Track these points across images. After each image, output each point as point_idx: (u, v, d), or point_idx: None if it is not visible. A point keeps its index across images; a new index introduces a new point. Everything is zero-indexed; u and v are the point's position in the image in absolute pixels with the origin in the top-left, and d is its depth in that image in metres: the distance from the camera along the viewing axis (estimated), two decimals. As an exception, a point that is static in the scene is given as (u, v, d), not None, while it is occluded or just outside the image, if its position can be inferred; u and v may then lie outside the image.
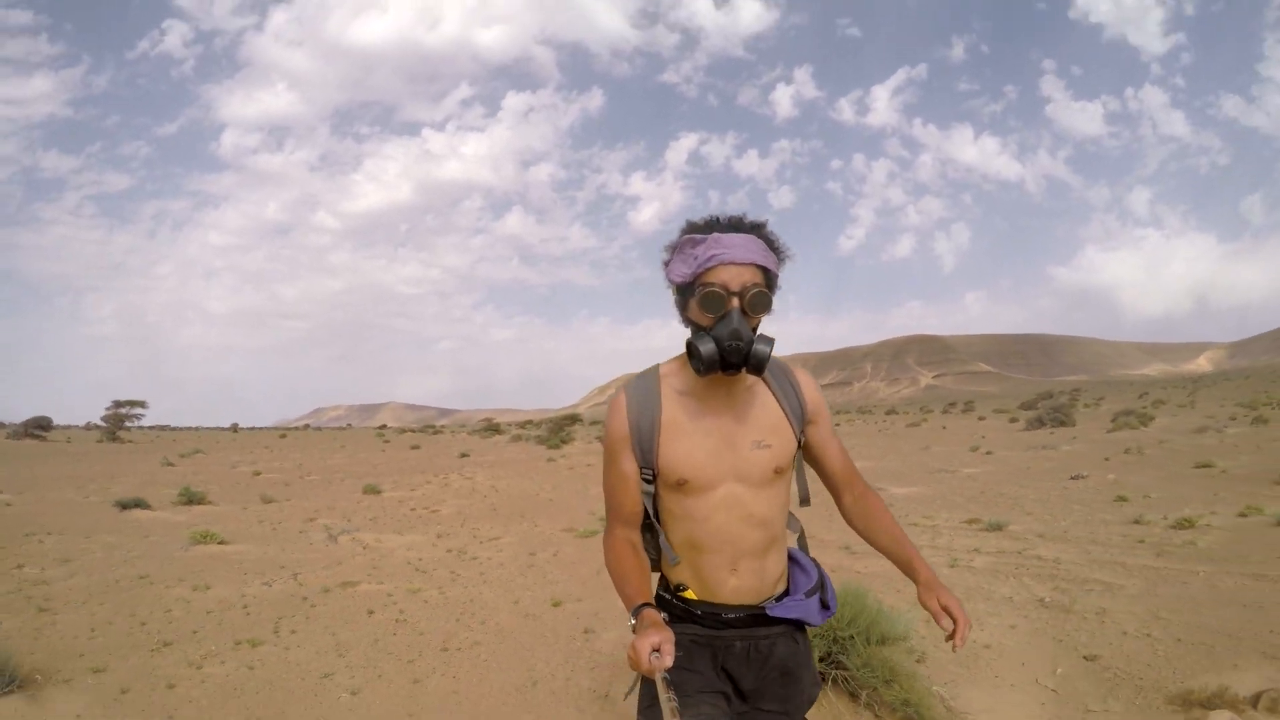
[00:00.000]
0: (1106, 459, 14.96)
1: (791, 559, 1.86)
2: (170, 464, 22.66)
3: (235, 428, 75.43)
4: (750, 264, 1.61)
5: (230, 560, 7.40)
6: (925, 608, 1.68)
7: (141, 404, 46.58)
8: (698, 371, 1.62)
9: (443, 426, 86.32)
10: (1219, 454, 13.73)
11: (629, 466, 1.73)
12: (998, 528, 7.99)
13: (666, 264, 1.69)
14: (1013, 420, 37.47)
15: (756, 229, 1.65)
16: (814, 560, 1.89)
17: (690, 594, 1.74)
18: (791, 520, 1.84)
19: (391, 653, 4.65)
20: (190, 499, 12.21)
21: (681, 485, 1.70)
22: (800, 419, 1.77)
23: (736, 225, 1.64)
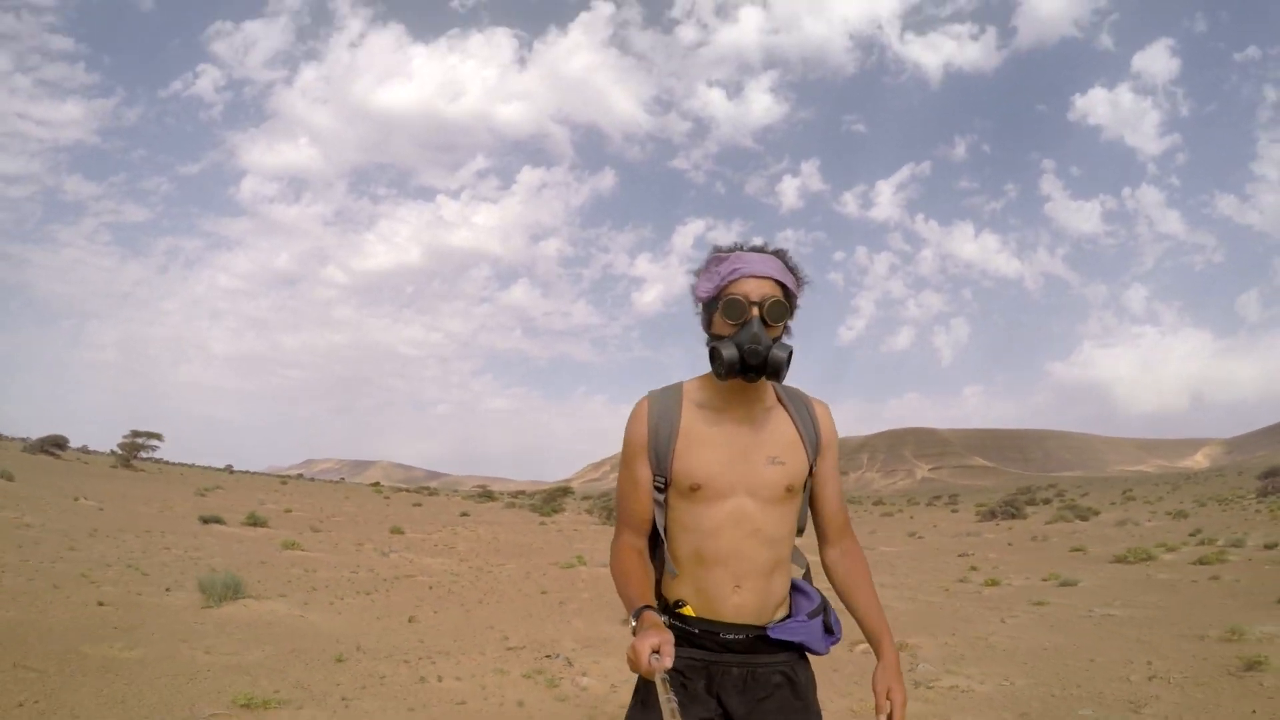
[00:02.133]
0: (1010, 545, 17.90)
1: (794, 587, 1.84)
2: (203, 494, 25.52)
3: (230, 469, 74.94)
4: (770, 278, 1.67)
5: (315, 560, 10.40)
6: (874, 689, 1.69)
7: (158, 436, 48.21)
8: (718, 376, 1.65)
9: (436, 489, 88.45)
10: (1105, 542, 16.63)
11: (643, 473, 1.75)
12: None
13: (694, 286, 1.76)
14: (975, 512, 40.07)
15: (778, 253, 1.74)
16: (818, 590, 1.87)
17: (688, 610, 1.72)
18: (797, 555, 1.83)
19: (449, 603, 7.69)
20: (255, 521, 15.25)
21: (694, 491, 1.70)
22: (815, 446, 1.78)
23: (758, 249, 1.73)
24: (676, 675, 1.63)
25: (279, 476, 73.84)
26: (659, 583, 1.80)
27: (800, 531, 1.82)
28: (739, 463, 1.70)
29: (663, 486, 1.73)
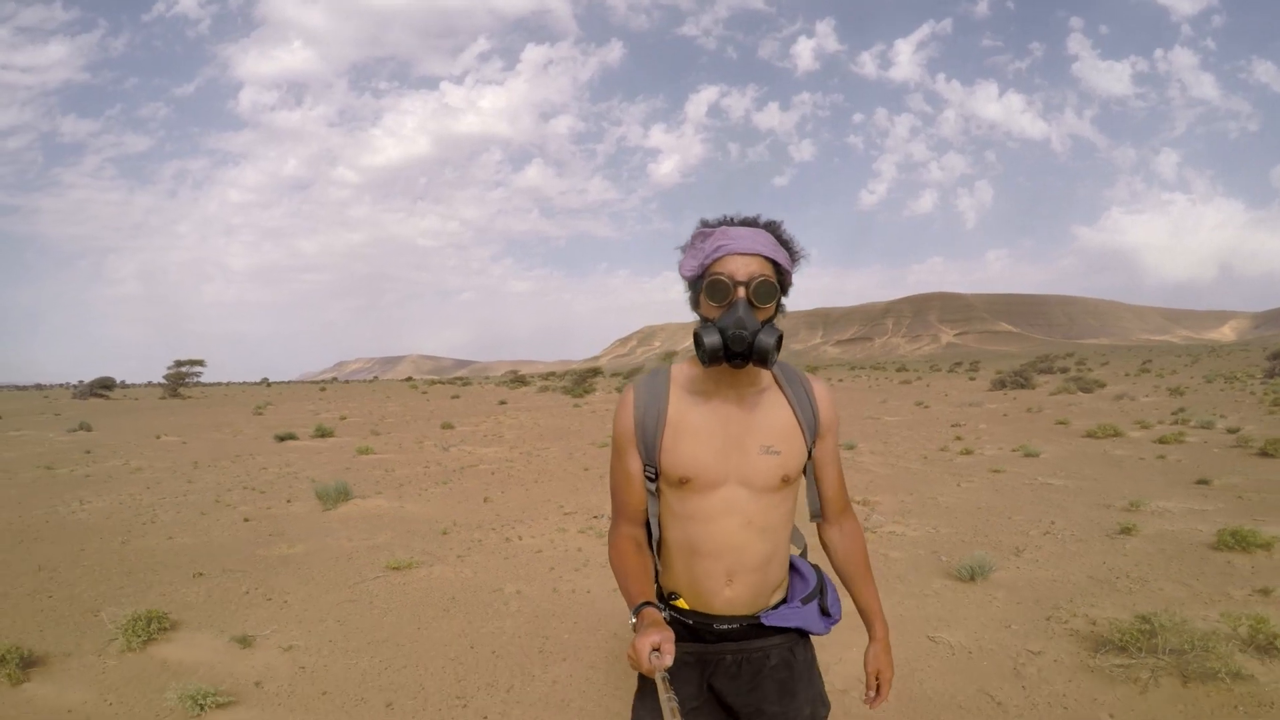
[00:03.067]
0: (1005, 415, 19.50)
1: (790, 566, 1.83)
2: (260, 413, 27.84)
3: (266, 382, 78.32)
4: (757, 255, 1.59)
5: (389, 461, 12.28)
6: (865, 667, 1.79)
7: (200, 363, 49.77)
8: (702, 362, 1.59)
9: (468, 378, 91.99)
10: (1092, 416, 18.12)
11: (634, 464, 1.72)
12: (850, 446, 12.72)
13: (680, 263, 1.67)
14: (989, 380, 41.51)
15: (769, 226, 1.64)
16: (814, 566, 1.85)
17: (682, 603, 1.72)
18: (796, 535, 1.81)
19: (511, 485, 9.50)
20: (322, 433, 17.24)
21: (684, 483, 1.66)
22: (813, 430, 1.73)
23: (748, 223, 1.64)
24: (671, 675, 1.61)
25: (315, 383, 76.62)
26: (656, 572, 1.77)
27: (815, 517, 1.86)
28: (731, 452, 1.66)
29: (654, 477, 1.70)
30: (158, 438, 18.05)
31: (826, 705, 1.81)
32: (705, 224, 1.65)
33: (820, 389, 1.77)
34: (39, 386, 54.53)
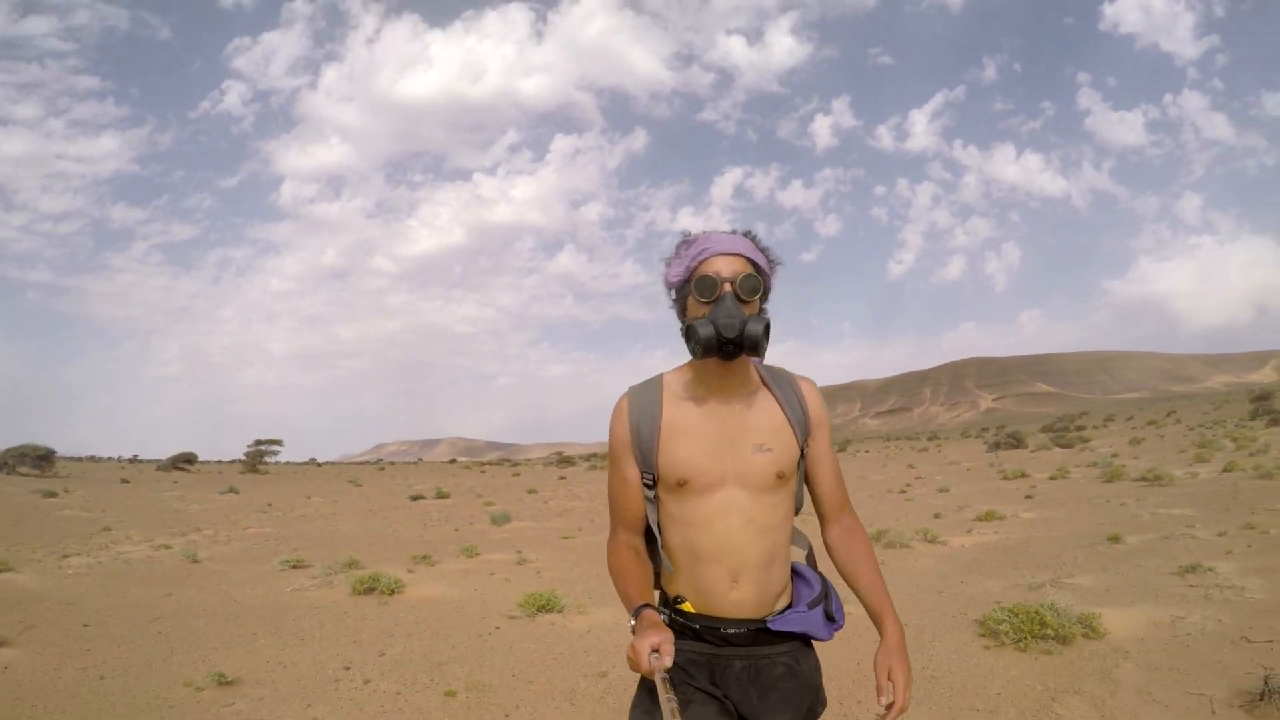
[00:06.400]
0: (969, 469, 24.67)
1: (794, 572, 1.85)
2: (358, 484, 33.74)
3: (315, 462, 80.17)
4: (739, 254, 1.67)
5: (513, 511, 17.92)
6: (875, 669, 1.68)
7: (279, 442, 52.76)
8: (695, 355, 1.66)
9: (516, 460, 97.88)
10: (1039, 467, 23.17)
11: (631, 472, 1.76)
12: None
13: (665, 275, 1.76)
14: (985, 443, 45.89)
15: (747, 234, 1.74)
16: (819, 574, 1.86)
17: (688, 607, 1.75)
18: (798, 536, 1.84)
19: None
20: (440, 495, 23.03)
21: (682, 486, 1.70)
22: (803, 427, 1.77)
23: (727, 233, 1.73)
24: (680, 672, 1.67)
25: (358, 463, 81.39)
26: (658, 578, 1.80)
27: (797, 510, 1.82)
28: (726, 453, 1.70)
29: (651, 483, 1.74)
30: (308, 498, 23.91)
31: (823, 703, 1.81)
32: (687, 234, 1.76)
33: (808, 386, 1.82)
34: (93, 458, 59.33)
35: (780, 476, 1.73)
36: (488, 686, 4.72)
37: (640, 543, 1.81)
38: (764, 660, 1.75)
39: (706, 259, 1.68)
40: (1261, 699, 3.66)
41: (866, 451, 56.08)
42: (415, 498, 22.42)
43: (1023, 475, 18.59)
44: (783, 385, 1.80)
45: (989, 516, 11.16)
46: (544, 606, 6.50)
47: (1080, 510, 11.52)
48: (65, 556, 10.13)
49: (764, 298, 1.71)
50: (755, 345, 1.63)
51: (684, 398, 1.76)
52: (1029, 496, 14.16)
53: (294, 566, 9.26)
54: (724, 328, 1.61)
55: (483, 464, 76.46)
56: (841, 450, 58.50)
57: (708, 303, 1.65)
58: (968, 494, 15.83)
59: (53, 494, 21.02)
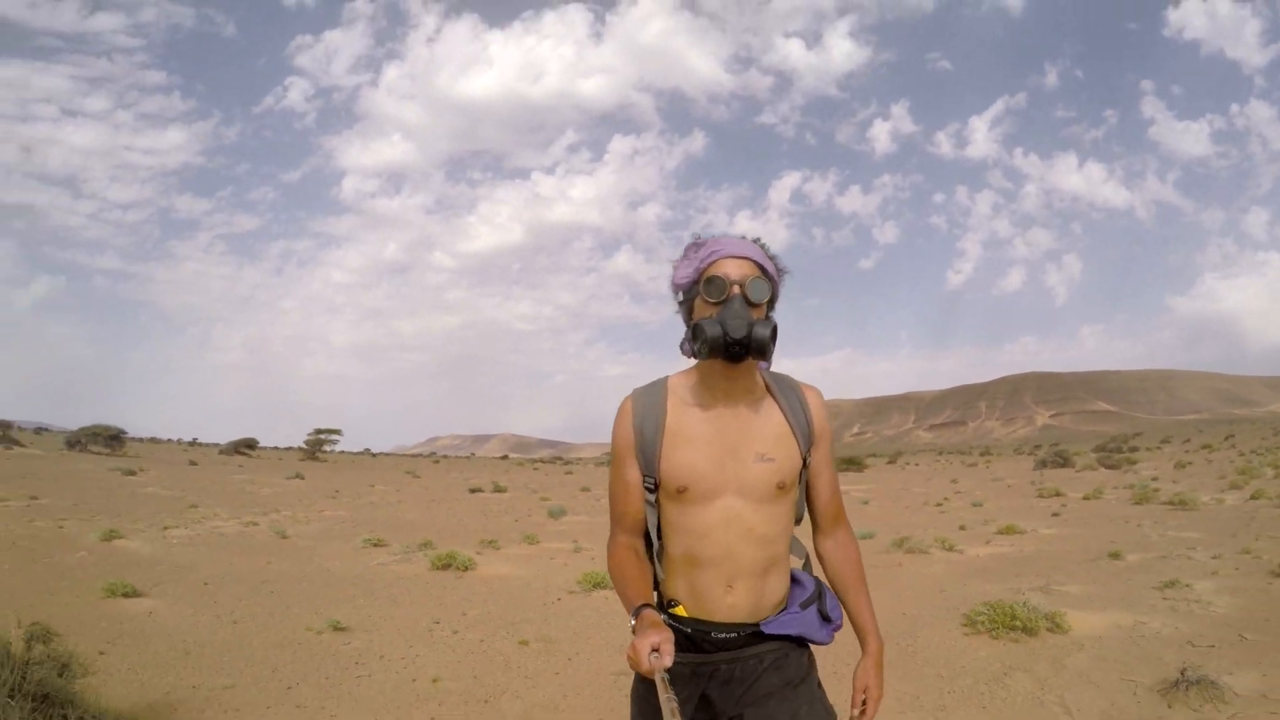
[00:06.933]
0: (1010, 485, 25.05)
1: (790, 577, 1.85)
2: (416, 475, 35.40)
3: (369, 452, 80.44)
4: (748, 258, 1.68)
5: (568, 505, 19.10)
6: (854, 682, 1.76)
7: (338, 432, 53.76)
8: (701, 355, 1.66)
9: (569, 459, 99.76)
10: (1076, 486, 23.50)
11: (633, 475, 1.76)
12: (865, 502, 18.84)
13: (672, 277, 1.77)
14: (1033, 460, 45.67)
15: (755, 240, 1.74)
16: (814, 576, 1.87)
17: (681, 611, 1.75)
18: (796, 545, 1.84)
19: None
20: (498, 489, 24.38)
21: (682, 493, 1.70)
22: (807, 438, 1.77)
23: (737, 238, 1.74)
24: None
25: (411, 456, 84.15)
26: (657, 581, 1.79)
27: (798, 521, 1.84)
28: (727, 461, 1.70)
29: (653, 487, 1.74)
30: (372, 486, 25.49)
31: (833, 716, 1.79)
32: (697, 237, 1.76)
33: (813, 395, 1.81)
34: (154, 440, 61.44)
35: (781, 487, 1.73)
36: (554, 639, 5.88)
37: (640, 544, 1.80)
38: (751, 659, 1.75)
39: (716, 261, 1.69)
40: (1175, 686, 4.53)
41: (916, 464, 56.02)
42: (474, 490, 23.84)
43: (1056, 494, 19.05)
44: (788, 393, 1.80)
45: (1009, 530, 11.90)
46: (599, 584, 7.62)
47: (1098, 529, 12.14)
48: (165, 528, 11.61)
49: (771, 304, 1.73)
50: (762, 348, 1.64)
51: (688, 402, 1.76)
52: (1055, 514, 14.75)
53: (374, 544, 10.54)
54: (732, 328, 1.61)
55: (535, 461, 78.29)
56: (891, 462, 58.58)
57: (716, 304, 1.66)
58: (999, 509, 16.45)
59: (132, 472, 23.00)
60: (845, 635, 1.91)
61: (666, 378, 1.81)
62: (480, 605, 7.05)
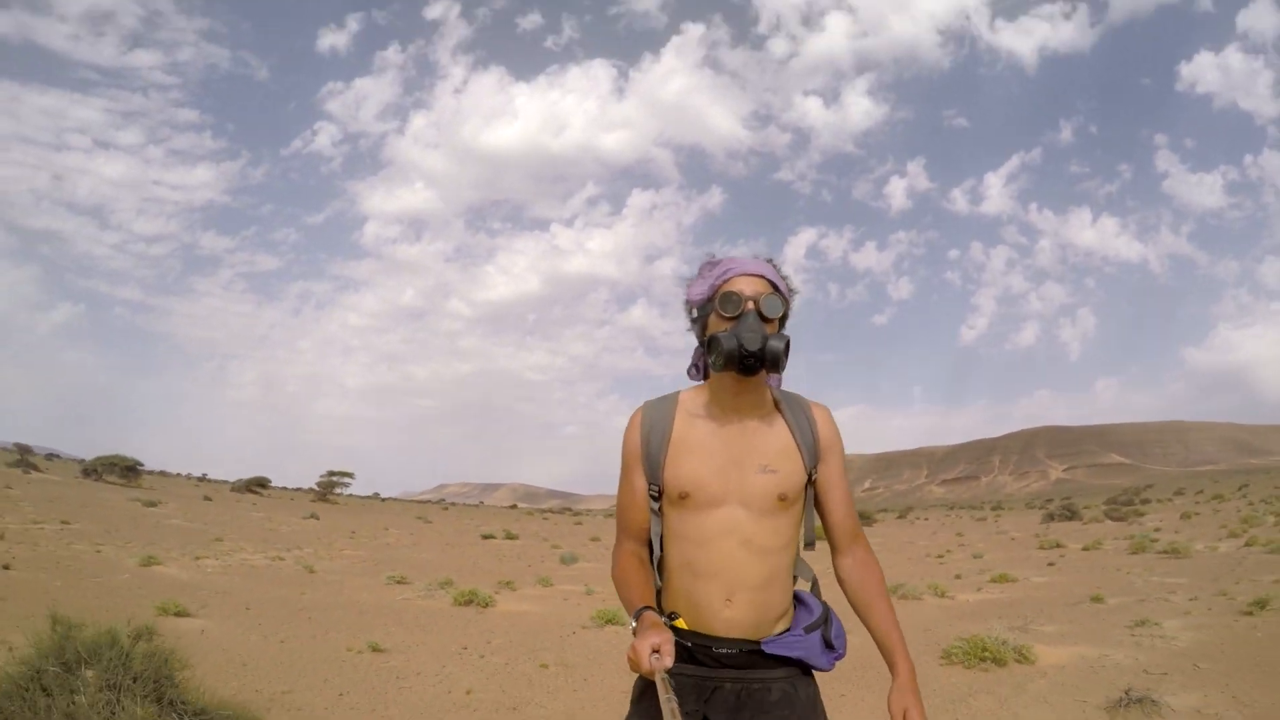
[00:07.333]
0: (1014, 538, 25.39)
1: (796, 598, 1.84)
2: (428, 521, 35.93)
3: (378, 496, 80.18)
4: (761, 276, 1.75)
5: (578, 553, 19.64)
6: (889, 709, 1.69)
7: (350, 475, 54.71)
8: (716, 367, 1.70)
9: (578, 510, 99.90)
10: (1077, 538, 23.79)
11: (639, 482, 1.80)
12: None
13: (686, 293, 1.83)
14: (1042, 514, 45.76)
15: (768, 260, 1.81)
16: (822, 601, 1.86)
17: (681, 623, 1.74)
18: (803, 566, 1.84)
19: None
20: (509, 536, 24.93)
21: (684, 499, 1.73)
22: (812, 452, 1.79)
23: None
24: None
25: (420, 501, 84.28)
26: (659, 592, 1.80)
27: (811, 545, 1.85)
28: (731, 471, 1.73)
29: (657, 495, 1.78)
30: (386, 529, 26.06)
31: None
32: (711, 256, 1.83)
33: (820, 413, 1.85)
34: (163, 473, 61.03)
35: (782, 499, 1.74)
36: (571, 664, 6.57)
37: (645, 552, 1.82)
38: (757, 684, 1.73)
39: (731, 278, 1.75)
40: (1119, 704, 5.16)
41: (925, 519, 56.11)
42: (487, 536, 24.38)
43: (1056, 545, 19.45)
44: (796, 410, 1.83)
45: (1002, 579, 12.43)
46: (611, 620, 8.31)
47: (1087, 577, 12.63)
48: (198, 558, 12.32)
49: (784, 321, 1.78)
50: (776, 360, 1.68)
51: (697, 415, 1.79)
52: (1051, 564, 15.23)
53: (398, 581, 11.21)
54: (747, 340, 1.65)
55: (544, 510, 78.52)
56: (901, 517, 58.62)
57: (730, 318, 1.71)
58: (998, 560, 16.91)
59: (154, 504, 23.70)
60: (848, 642, 2.00)
61: (679, 392, 1.87)
62: (502, 635, 7.71)
